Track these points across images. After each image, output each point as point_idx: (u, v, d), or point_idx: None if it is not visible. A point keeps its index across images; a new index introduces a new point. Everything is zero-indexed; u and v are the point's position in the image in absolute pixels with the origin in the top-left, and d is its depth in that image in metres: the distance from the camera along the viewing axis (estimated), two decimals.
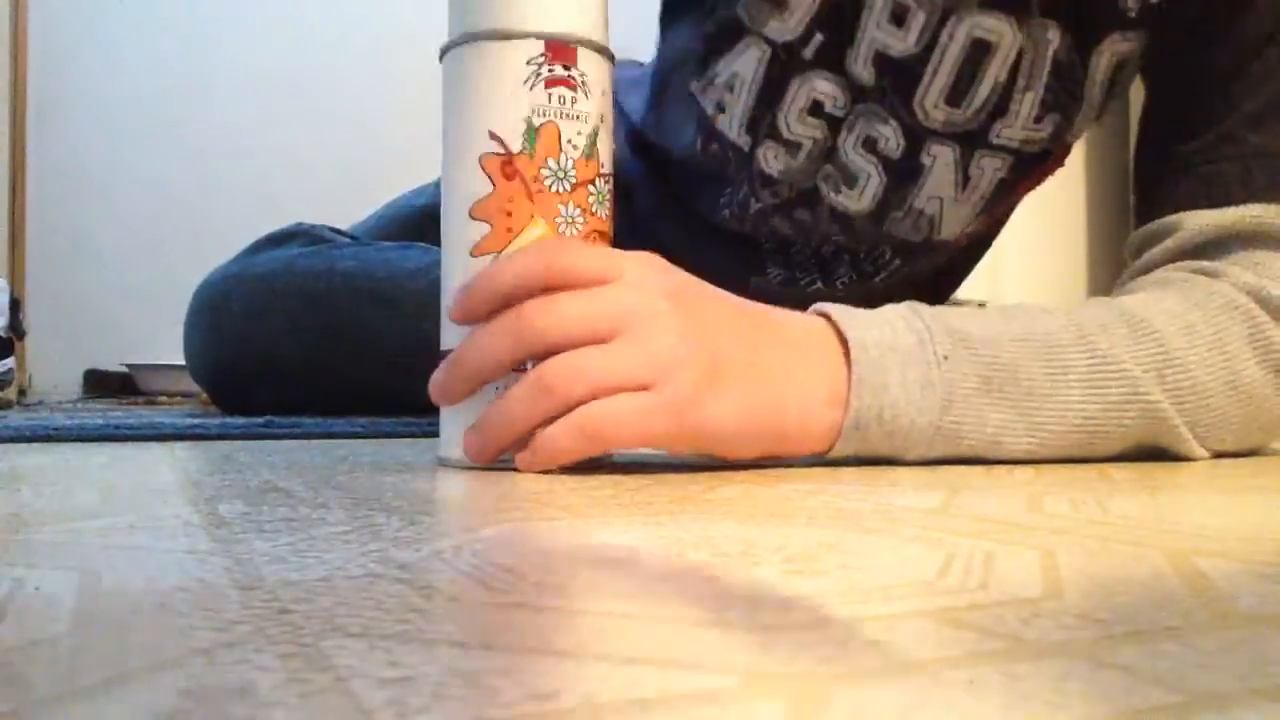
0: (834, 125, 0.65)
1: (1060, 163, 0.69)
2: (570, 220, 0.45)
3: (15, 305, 1.29)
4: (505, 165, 0.45)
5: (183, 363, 0.96)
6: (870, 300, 0.70)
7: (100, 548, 0.25)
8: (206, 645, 0.16)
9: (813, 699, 0.14)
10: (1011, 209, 0.77)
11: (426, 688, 0.14)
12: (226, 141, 2.20)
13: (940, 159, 0.64)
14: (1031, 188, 0.71)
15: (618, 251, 0.45)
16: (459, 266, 0.46)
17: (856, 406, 0.44)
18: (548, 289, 0.42)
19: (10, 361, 1.26)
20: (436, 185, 0.95)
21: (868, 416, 0.44)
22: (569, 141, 0.45)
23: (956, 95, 0.62)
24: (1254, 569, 0.23)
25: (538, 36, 0.45)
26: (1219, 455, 0.51)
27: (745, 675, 0.15)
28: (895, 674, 0.15)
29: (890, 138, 0.64)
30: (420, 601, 0.19)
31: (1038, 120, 0.62)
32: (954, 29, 0.60)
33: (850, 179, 0.66)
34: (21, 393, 1.45)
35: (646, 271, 0.44)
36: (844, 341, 0.45)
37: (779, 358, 0.44)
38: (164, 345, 1.99)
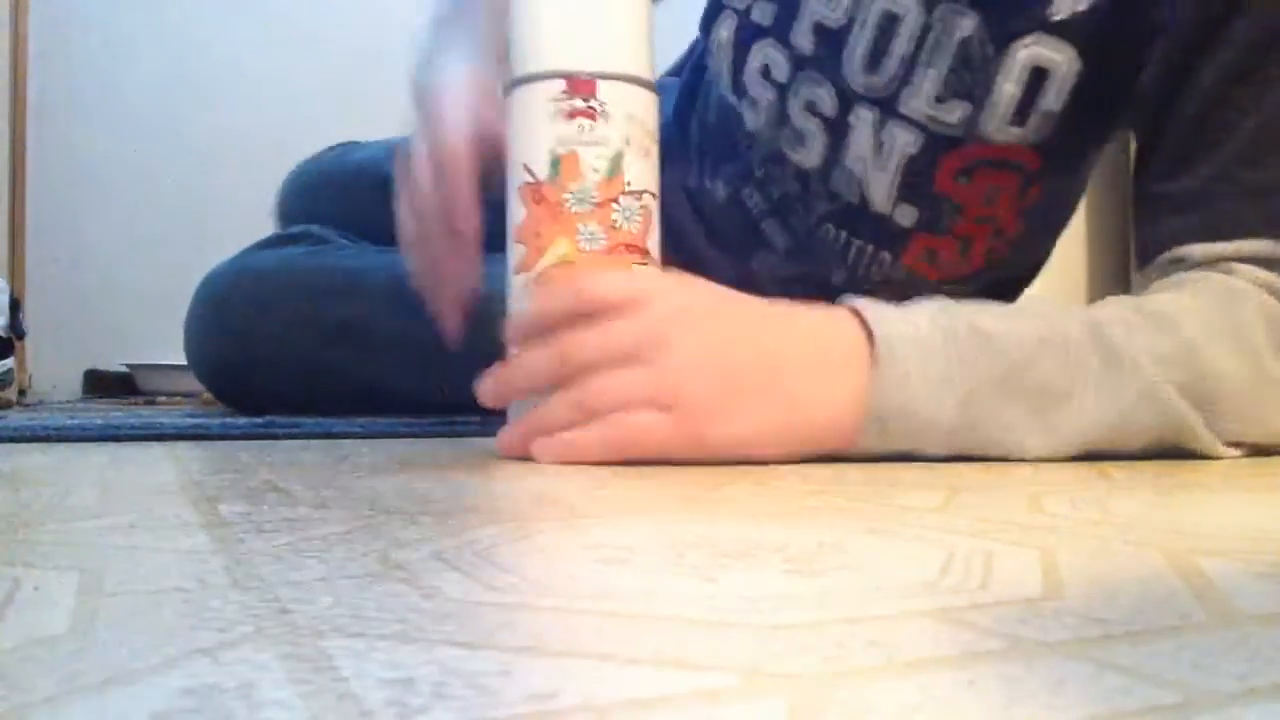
0: (781, 91, 0.71)
1: (1034, 182, 0.66)
2: (591, 237, 0.50)
3: (15, 305, 1.29)
4: (535, 193, 0.51)
5: (183, 363, 0.97)
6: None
7: (100, 548, 0.25)
8: (206, 645, 0.16)
9: (813, 699, 0.14)
10: (1003, 249, 0.72)
11: (426, 688, 0.14)
12: (226, 142, 2.19)
13: (862, 120, 0.67)
14: (1003, 204, 0.68)
15: (645, 274, 0.51)
16: (510, 284, 0.52)
17: (878, 400, 0.46)
18: (582, 315, 0.48)
19: (10, 361, 1.26)
20: None
21: (888, 408, 0.46)
22: (590, 166, 0.50)
23: (874, 62, 0.65)
24: (1254, 569, 0.23)
25: (559, 76, 0.50)
26: (1252, 453, 0.51)
27: (745, 675, 0.15)
28: (895, 674, 0.15)
29: (826, 99, 0.68)
30: (420, 601, 0.19)
31: (940, 100, 0.63)
32: (872, 1, 0.65)
33: (800, 138, 0.71)
34: (21, 393, 1.45)
35: (667, 294, 0.49)
36: (871, 337, 0.47)
37: (800, 363, 0.48)
38: (164, 345, 1.98)
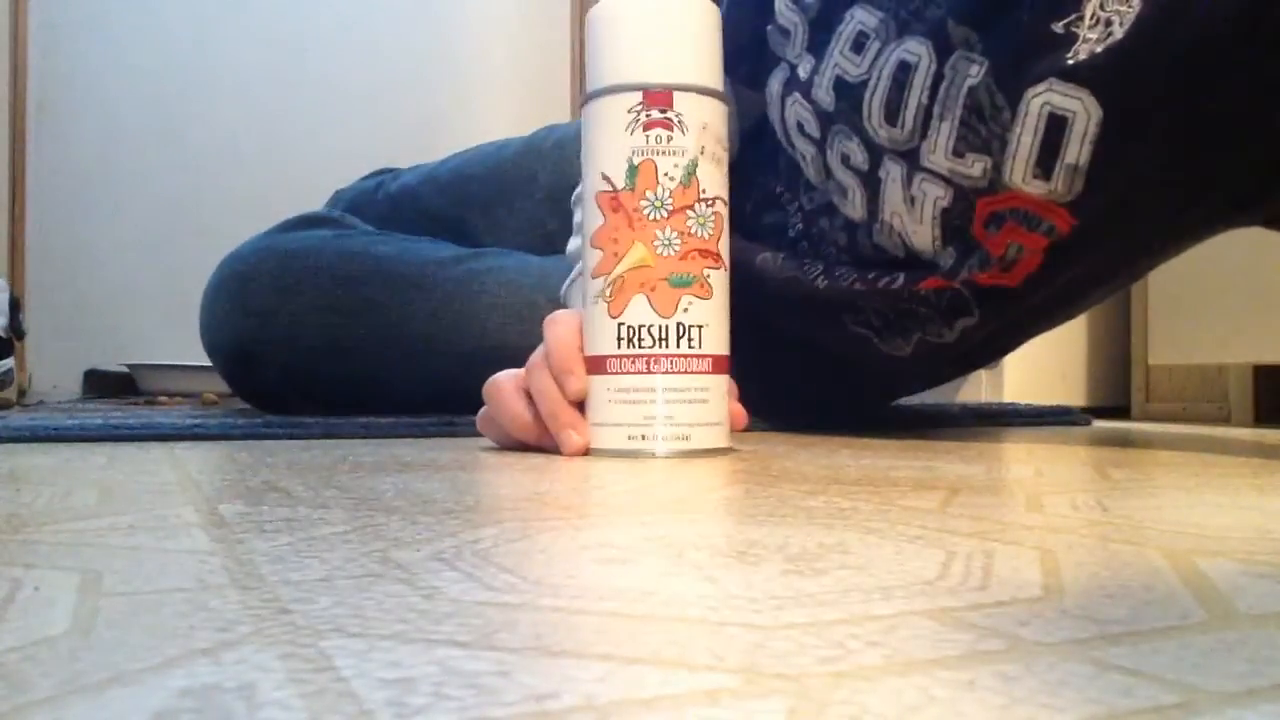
0: (819, 146, 0.69)
1: (1064, 257, 0.61)
2: (667, 242, 0.53)
3: (15, 305, 1.29)
4: (612, 200, 0.54)
5: (183, 363, 0.97)
6: (893, 303, 0.69)
7: (100, 548, 0.25)
8: (206, 645, 0.16)
9: (813, 699, 0.14)
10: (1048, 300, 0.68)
11: (426, 688, 0.14)
12: (226, 142, 2.20)
13: (891, 175, 0.65)
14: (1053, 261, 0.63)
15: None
16: (587, 286, 0.56)
17: None
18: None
19: (10, 361, 1.26)
20: (523, 138, 1.02)
21: None
22: (665, 174, 0.53)
23: (891, 114, 0.63)
24: (1254, 569, 0.23)
25: (637, 88, 0.53)
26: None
27: (745, 675, 0.15)
28: (895, 674, 0.15)
29: (857, 153, 0.66)
30: (420, 601, 0.19)
31: (958, 154, 0.61)
32: (890, 53, 0.63)
33: (843, 192, 0.69)
34: (21, 393, 1.45)
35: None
36: None
37: None
38: (164, 345, 1.99)
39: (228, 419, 0.77)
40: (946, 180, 0.62)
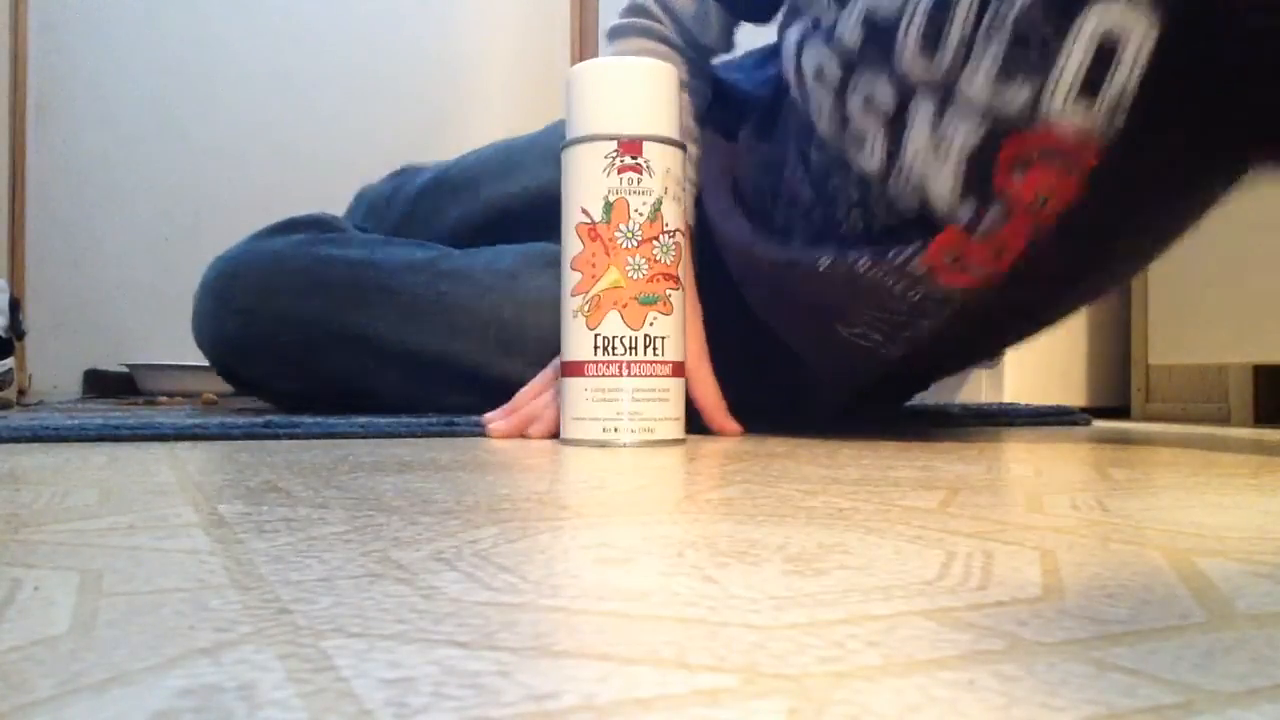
0: (838, 93, 0.66)
1: (1091, 202, 0.59)
2: (637, 267, 0.63)
3: (15, 305, 1.29)
4: (590, 231, 0.63)
5: (183, 363, 0.99)
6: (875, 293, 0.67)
7: (100, 548, 0.25)
8: (206, 645, 0.16)
9: (813, 699, 0.14)
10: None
11: (426, 688, 0.14)
12: (227, 141, 2.19)
13: (921, 112, 0.62)
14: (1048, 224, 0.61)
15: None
16: (565, 302, 0.65)
17: None
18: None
19: (10, 361, 1.26)
20: (530, 135, 1.05)
21: None
22: (636, 211, 0.63)
23: (929, 47, 0.61)
24: (1254, 569, 0.23)
25: (612, 137, 0.63)
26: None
27: (745, 675, 0.15)
28: (895, 674, 0.15)
29: (884, 93, 0.64)
30: (420, 601, 0.19)
31: (1000, 81, 0.58)
32: None
33: (860, 142, 0.66)
34: (21, 393, 1.45)
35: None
36: None
37: None
38: (164, 345, 1.99)
39: (228, 419, 0.77)
40: (981, 114, 0.60)
